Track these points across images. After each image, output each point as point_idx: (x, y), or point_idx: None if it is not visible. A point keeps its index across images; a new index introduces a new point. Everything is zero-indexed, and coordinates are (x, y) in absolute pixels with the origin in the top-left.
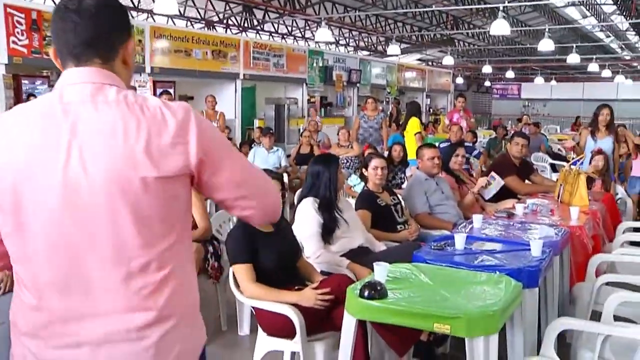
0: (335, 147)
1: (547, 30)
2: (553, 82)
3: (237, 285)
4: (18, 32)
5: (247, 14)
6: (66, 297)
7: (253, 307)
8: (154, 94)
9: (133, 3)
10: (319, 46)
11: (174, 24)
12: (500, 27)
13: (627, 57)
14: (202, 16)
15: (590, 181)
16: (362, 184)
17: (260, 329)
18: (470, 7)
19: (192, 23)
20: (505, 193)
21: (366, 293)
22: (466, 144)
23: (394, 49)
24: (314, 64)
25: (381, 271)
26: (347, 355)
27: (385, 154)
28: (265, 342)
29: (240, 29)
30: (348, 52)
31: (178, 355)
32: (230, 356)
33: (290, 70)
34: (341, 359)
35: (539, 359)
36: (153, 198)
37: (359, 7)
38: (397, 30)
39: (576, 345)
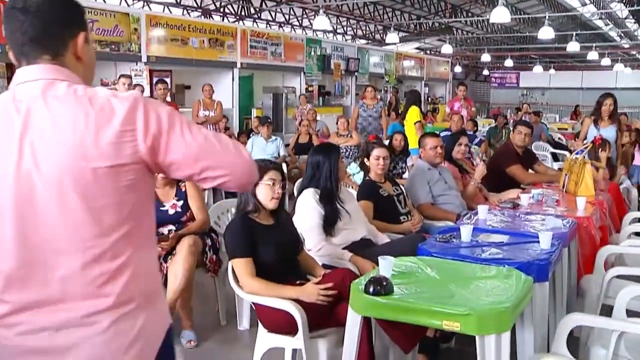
0: (335, 136)
1: (547, 17)
2: (552, 71)
3: (237, 280)
4: None
5: (244, 2)
6: (26, 288)
7: (253, 303)
8: (150, 82)
9: None
10: (317, 35)
11: (170, 12)
12: (500, 15)
13: (626, 45)
14: (199, 4)
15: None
16: (361, 172)
17: (260, 325)
18: None
19: (189, 11)
20: (508, 182)
21: (371, 289)
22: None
23: (392, 37)
24: (312, 53)
25: (386, 265)
26: (352, 353)
27: (385, 143)
28: (265, 339)
29: (238, 17)
30: (346, 40)
31: (135, 339)
32: (229, 351)
33: (288, 59)
34: (345, 357)
35: (551, 357)
36: (106, 188)
37: None
38: (396, 18)
39: (588, 342)
